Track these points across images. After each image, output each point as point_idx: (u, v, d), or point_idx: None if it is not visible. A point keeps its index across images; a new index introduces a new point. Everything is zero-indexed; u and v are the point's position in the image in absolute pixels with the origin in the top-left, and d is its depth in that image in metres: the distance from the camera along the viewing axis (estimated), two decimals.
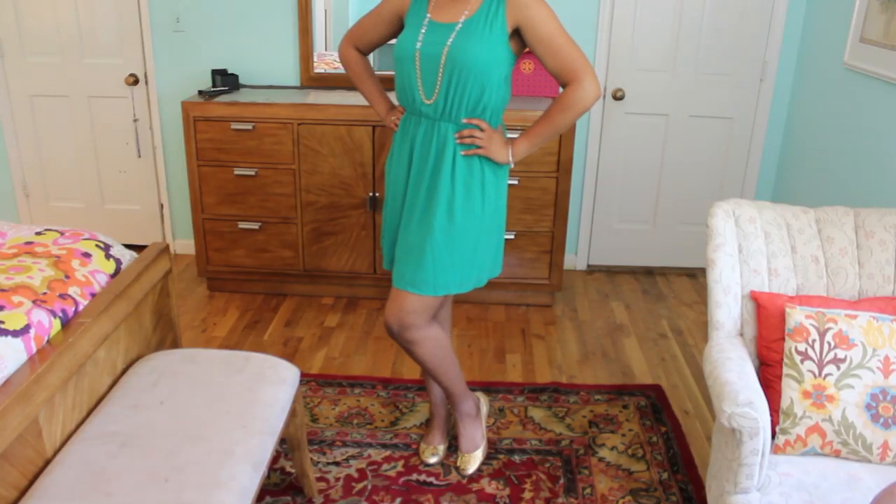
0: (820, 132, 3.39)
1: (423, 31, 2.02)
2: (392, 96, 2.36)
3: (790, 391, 1.87)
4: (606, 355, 3.21)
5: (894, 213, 2.13)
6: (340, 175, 3.40)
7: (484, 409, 2.61)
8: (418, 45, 2.01)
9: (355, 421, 2.68)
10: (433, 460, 2.46)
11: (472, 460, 2.44)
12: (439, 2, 2.05)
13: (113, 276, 2.10)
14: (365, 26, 2.25)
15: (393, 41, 2.22)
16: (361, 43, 2.29)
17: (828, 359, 1.86)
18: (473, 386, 2.89)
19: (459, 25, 1.99)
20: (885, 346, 1.85)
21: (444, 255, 2.10)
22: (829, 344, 1.86)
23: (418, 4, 2.09)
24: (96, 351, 1.88)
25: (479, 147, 2.06)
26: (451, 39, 1.98)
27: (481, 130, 2.06)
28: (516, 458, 2.50)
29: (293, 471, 2.40)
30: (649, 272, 4.08)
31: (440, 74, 2.01)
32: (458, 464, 2.44)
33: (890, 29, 2.79)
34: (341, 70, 3.80)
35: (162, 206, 4.09)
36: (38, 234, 2.17)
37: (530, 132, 2.09)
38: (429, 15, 2.04)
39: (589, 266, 4.11)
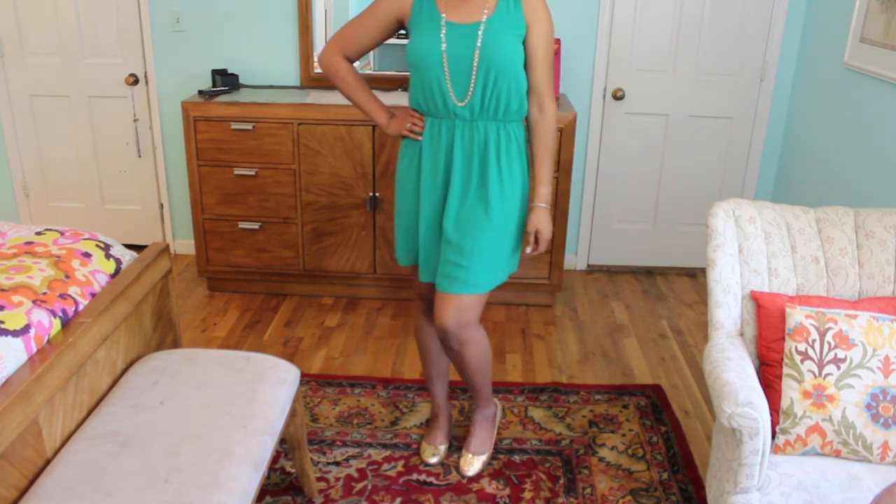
0: (820, 132, 3.39)
1: (444, 32, 2.00)
2: (383, 99, 2.35)
3: (790, 391, 1.87)
4: (606, 355, 3.21)
5: (894, 213, 2.13)
6: (340, 175, 3.40)
7: (499, 415, 2.62)
8: (443, 46, 1.99)
9: (355, 421, 2.68)
10: (434, 460, 2.46)
11: (477, 462, 2.43)
12: (450, 1, 2.02)
13: (113, 276, 2.10)
14: (356, 32, 2.16)
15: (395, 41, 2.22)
16: (351, 50, 2.19)
17: (828, 359, 1.86)
18: None
19: (483, 25, 1.99)
20: (885, 346, 1.85)
21: (498, 251, 2.15)
22: (829, 344, 1.86)
23: (425, 5, 2.05)
24: (96, 351, 1.88)
25: (544, 241, 2.18)
26: (479, 40, 1.98)
27: (535, 238, 2.17)
28: (516, 458, 2.50)
29: (293, 471, 2.40)
30: (649, 272, 4.08)
31: (473, 76, 2.01)
32: (461, 464, 2.44)
33: (890, 29, 2.79)
34: None
35: (162, 206, 4.09)
36: (39, 234, 2.17)
37: (541, 174, 2.16)
38: (443, 15, 2.02)
39: (589, 266, 4.11)
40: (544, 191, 2.15)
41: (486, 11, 1.99)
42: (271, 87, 3.75)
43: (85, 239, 2.16)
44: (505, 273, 2.23)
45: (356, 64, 2.27)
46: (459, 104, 2.05)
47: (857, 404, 1.83)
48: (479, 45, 1.98)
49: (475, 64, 1.99)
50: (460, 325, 2.17)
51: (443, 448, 2.49)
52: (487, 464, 2.46)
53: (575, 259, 4.07)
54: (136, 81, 3.83)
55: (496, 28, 1.98)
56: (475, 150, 2.09)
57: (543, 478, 2.41)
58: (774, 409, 1.91)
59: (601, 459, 2.51)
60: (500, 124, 2.09)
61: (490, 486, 2.37)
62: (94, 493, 1.55)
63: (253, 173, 3.42)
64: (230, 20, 3.71)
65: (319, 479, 2.37)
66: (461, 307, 2.15)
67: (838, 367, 1.85)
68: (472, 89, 2.02)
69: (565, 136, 3.27)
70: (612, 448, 2.56)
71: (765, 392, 1.92)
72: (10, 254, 2.02)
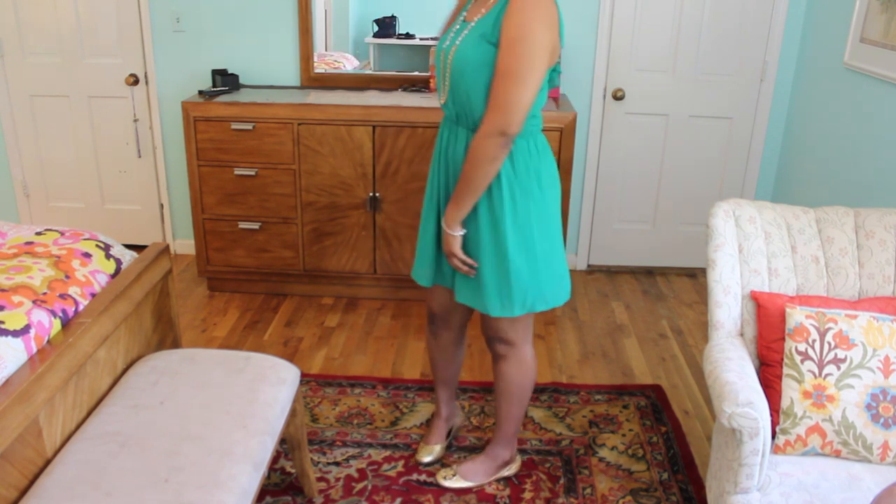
0: (820, 132, 3.39)
1: (456, 28, 2.00)
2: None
3: (790, 391, 1.87)
4: (606, 355, 3.21)
5: (894, 213, 2.13)
6: (340, 175, 3.40)
7: (508, 472, 2.41)
8: (446, 43, 1.98)
9: (355, 421, 2.68)
10: (427, 459, 2.45)
11: (452, 481, 2.36)
12: (475, 1, 2.01)
13: (113, 276, 2.10)
14: (444, 26, 2.18)
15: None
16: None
17: (828, 359, 1.86)
18: (474, 387, 2.89)
19: (472, 24, 1.93)
20: (886, 346, 1.85)
21: (491, 274, 2.01)
22: (829, 344, 1.86)
23: (467, 3, 2.06)
24: (96, 351, 1.88)
25: (448, 257, 2.03)
26: (460, 38, 1.92)
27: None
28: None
29: (293, 471, 2.40)
30: (649, 272, 4.08)
31: (448, 75, 1.96)
32: (441, 471, 2.40)
33: (890, 29, 2.79)
34: (341, 70, 3.80)
35: (162, 206, 4.09)
36: (39, 234, 2.17)
37: (452, 196, 1.97)
38: (464, 13, 2.02)
39: (589, 266, 4.11)
40: (446, 215, 1.98)
41: (483, 11, 1.93)
42: (271, 87, 3.75)
43: (85, 239, 2.16)
44: (515, 302, 2.03)
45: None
46: (441, 102, 2.04)
47: (857, 404, 1.83)
48: (457, 43, 1.93)
49: (449, 62, 1.95)
50: (493, 338, 2.18)
51: (438, 448, 2.48)
52: (465, 490, 2.36)
53: (575, 259, 4.07)
54: (136, 81, 3.83)
55: (477, 29, 1.90)
56: (451, 156, 2.02)
57: (543, 478, 2.41)
58: (774, 410, 1.91)
59: (601, 459, 2.51)
60: (473, 135, 1.96)
61: (490, 487, 2.37)
62: (94, 493, 1.55)
63: (253, 173, 3.42)
64: (230, 20, 3.71)
65: (319, 479, 2.37)
66: (487, 321, 2.14)
67: (838, 368, 1.85)
68: (446, 89, 1.99)
69: (565, 136, 3.27)
70: (613, 448, 2.56)
71: (765, 392, 1.92)
72: (11, 254, 2.02)
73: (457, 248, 2.01)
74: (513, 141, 1.89)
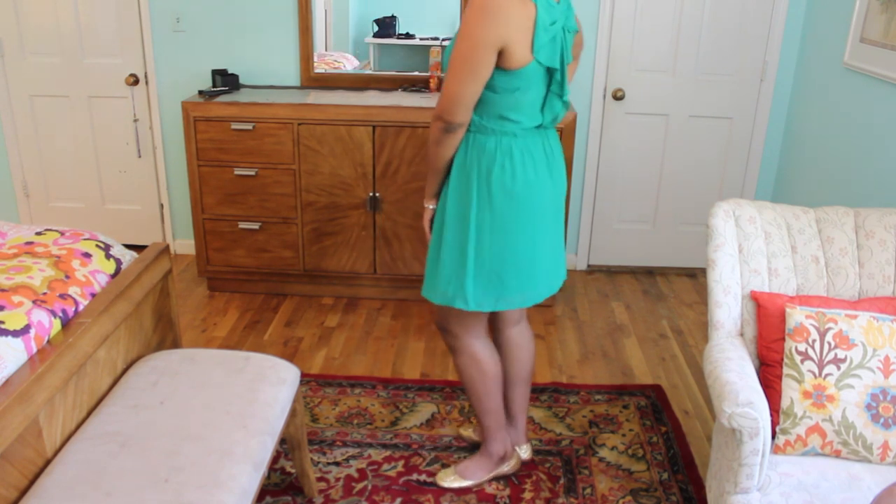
0: (820, 132, 3.39)
1: None
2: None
3: (790, 391, 1.87)
4: (606, 355, 3.21)
5: (894, 213, 2.13)
6: (340, 175, 3.40)
7: (507, 468, 2.40)
8: None
9: (355, 421, 2.68)
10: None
11: (451, 481, 2.36)
12: None
13: (113, 276, 2.10)
14: None
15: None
16: None
17: (828, 359, 1.86)
18: None
19: None
20: (886, 346, 1.85)
21: (430, 261, 2.11)
22: (829, 344, 1.86)
23: None
24: (96, 351, 1.88)
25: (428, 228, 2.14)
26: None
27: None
28: None
29: (293, 471, 2.40)
30: (649, 272, 4.08)
31: None
32: (440, 471, 2.40)
33: (890, 29, 2.79)
34: (341, 70, 3.80)
35: (162, 206, 4.09)
36: (39, 234, 2.17)
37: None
38: None
39: (589, 266, 4.11)
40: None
41: None
42: (271, 87, 3.75)
43: (85, 239, 2.16)
44: (438, 289, 2.07)
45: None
46: None
47: (857, 404, 1.83)
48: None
49: None
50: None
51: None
52: (465, 489, 2.36)
53: (575, 259, 4.07)
54: (136, 81, 3.83)
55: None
56: None
57: (543, 478, 2.41)
58: (774, 410, 1.91)
59: (601, 459, 2.51)
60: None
61: (490, 487, 2.37)
62: (94, 493, 1.55)
63: (253, 173, 3.42)
64: (230, 20, 3.71)
65: (319, 479, 2.37)
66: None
67: (838, 368, 1.85)
68: None
69: (565, 136, 3.27)
70: (612, 448, 2.56)
71: (765, 392, 1.92)
72: (11, 254, 2.02)
73: (425, 219, 2.13)
74: (455, 129, 1.91)
